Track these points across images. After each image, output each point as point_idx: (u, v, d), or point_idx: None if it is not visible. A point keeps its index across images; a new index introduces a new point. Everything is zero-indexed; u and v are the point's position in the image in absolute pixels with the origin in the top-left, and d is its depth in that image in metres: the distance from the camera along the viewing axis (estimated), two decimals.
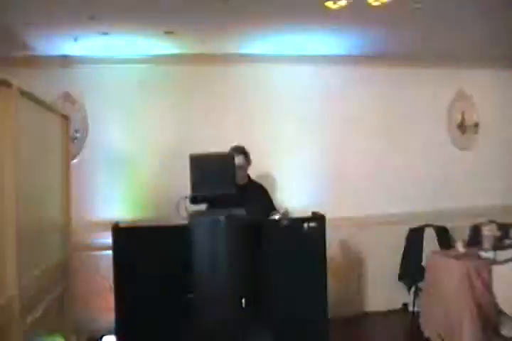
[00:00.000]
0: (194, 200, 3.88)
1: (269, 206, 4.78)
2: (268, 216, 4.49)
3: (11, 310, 2.73)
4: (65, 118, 4.40)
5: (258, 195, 4.84)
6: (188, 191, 3.89)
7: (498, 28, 4.88)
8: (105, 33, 4.67)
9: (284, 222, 4.37)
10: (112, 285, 4.20)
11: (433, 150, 6.37)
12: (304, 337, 4.43)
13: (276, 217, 4.42)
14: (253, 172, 4.97)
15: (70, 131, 4.66)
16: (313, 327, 4.46)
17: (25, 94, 3.09)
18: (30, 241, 3.15)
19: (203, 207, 4.08)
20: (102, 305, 5.07)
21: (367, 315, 5.74)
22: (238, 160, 4.71)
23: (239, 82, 5.71)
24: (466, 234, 5.93)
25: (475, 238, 5.61)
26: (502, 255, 4.75)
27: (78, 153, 5.36)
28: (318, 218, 4.65)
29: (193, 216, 3.81)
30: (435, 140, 6.40)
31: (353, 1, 3.73)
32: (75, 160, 5.19)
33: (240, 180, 4.77)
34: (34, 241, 3.28)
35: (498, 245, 4.99)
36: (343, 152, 6.00)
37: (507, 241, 5.18)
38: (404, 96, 6.26)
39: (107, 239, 4.54)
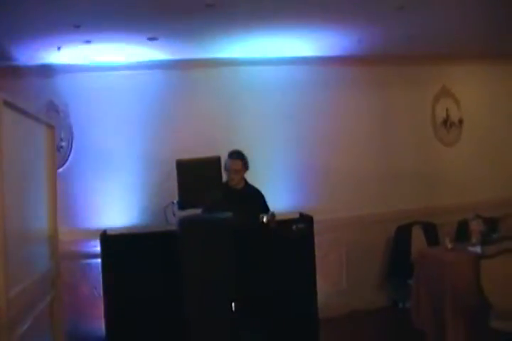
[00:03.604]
0: (182, 206, 3.87)
1: (265, 210, 4.76)
2: (257, 219, 4.49)
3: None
4: (50, 127, 4.37)
5: (255, 200, 4.85)
6: (175, 196, 3.89)
7: (480, 25, 4.90)
8: (88, 41, 4.65)
9: (272, 225, 4.37)
10: (101, 294, 4.21)
11: (419, 147, 6.40)
12: (294, 337, 4.44)
13: (264, 219, 4.42)
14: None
15: (55, 140, 4.64)
16: (303, 327, 4.48)
17: (9, 104, 3.06)
18: (18, 252, 3.13)
19: (190, 212, 4.07)
20: (92, 313, 5.06)
21: (357, 314, 5.74)
22: (235, 164, 4.74)
23: (223, 86, 5.70)
24: (454, 229, 5.98)
25: (463, 233, 5.63)
26: (490, 249, 4.75)
27: (64, 162, 5.32)
28: (306, 219, 4.67)
29: (181, 221, 3.81)
30: (420, 137, 6.43)
31: None
32: (60, 169, 5.12)
33: (237, 185, 4.79)
34: (21, 252, 3.25)
35: (486, 239, 4.99)
36: (329, 151, 6.00)
37: (494, 236, 5.19)
38: (388, 94, 6.29)
39: (96, 247, 4.55)
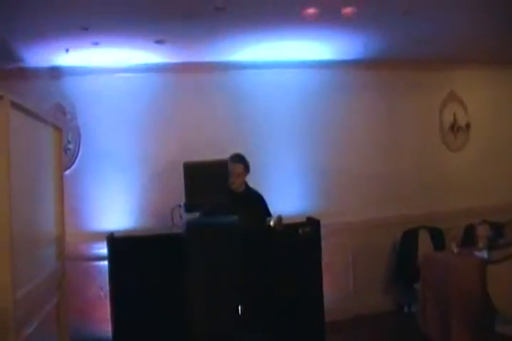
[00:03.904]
0: (189, 209, 3.87)
1: (266, 214, 4.76)
2: (263, 223, 4.48)
3: (6, 323, 2.69)
4: (58, 129, 4.38)
5: (256, 204, 4.83)
6: (182, 199, 3.88)
7: (487, 29, 4.88)
8: (96, 44, 4.65)
9: (280, 228, 4.36)
10: (107, 296, 4.20)
11: (426, 151, 6.39)
12: None
13: (271, 223, 4.41)
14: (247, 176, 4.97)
15: (62, 142, 4.63)
16: (310, 331, 4.46)
17: (17, 105, 3.06)
18: (25, 254, 3.13)
19: (197, 215, 4.06)
20: (98, 316, 5.05)
21: (363, 318, 5.71)
22: (237, 168, 4.72)
23: (231, 89, 5.70)
24: (460, 234, 5.95)
25: (469, 238, 5.61)
26: (496, 254, 4.73)
27: (71, 164, 5.32)
28: (313, 223, 4.66)
29: (188, 224, 3.80)
30: (427, 142, 6.41)
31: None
32: (67, 171, 5.15)
33: (238, 188, 4.78)
34: (28, 253, 3.25)
35: (492, 244, 4.96)
36: (336, 155, 5.98)
37: (501, 241, 5.16)
38: (394, 99, 6.27)
39: (102, 249, 4.55)
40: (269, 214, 4.73)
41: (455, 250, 5.03)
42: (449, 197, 6.34)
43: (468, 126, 6.55)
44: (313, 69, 5.91)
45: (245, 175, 4.87)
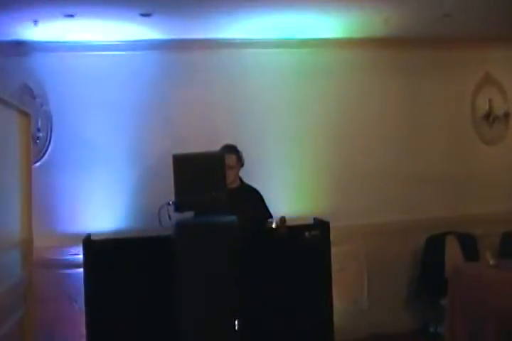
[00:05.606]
0: (179, 207, 3.87)
1: (265, 213, 4.78)
2: (263, 224, 4.48)
3: None
4: (25, 115, 4.38)
5: (252, 201, 4.88)
6: (171, 196, 3.88)
7: None
8: (70, 16, 4.63)
9: (283, 231, 4.36)
10: (82, 309, 4.19)
11: (454, 144, 6.39)
12: None
13: (273, 224, 4.41)
14: (245, 172, 4.98)
15: (31, 130, 4.62)
16: None
17: None
18: None
19: (188, 214, 4.06)
20: (71, 332, 5.05)
21: (379, 337, 5.71)
22: (229, 160, 4.74)
23: (225, 70, 5.70)
24: (496, 242, 5.93)
25: (508, 247, 5.59)
26: None
27: (41, 156, 5.32)
28: (322, 225, 4.65)
29: (178, 225, 3.80)
30: (457, 133, 6.42)
31: None
32: (37, 164, 5.18)
33: (231, 183, 4.80)
34: None
35: None
36: (348, 148, 5.99)
37: None
38: (418, 83, 6.26)
39: (77, 254, 4.55)
40: (269, 214, 4.75)
41: (491, 261, 5.00)
42: (482, 198, 6.33)
43: (507, 115, 6.53)
44: (323, 48, 5.93)
45: (239, 168, 4.93)
